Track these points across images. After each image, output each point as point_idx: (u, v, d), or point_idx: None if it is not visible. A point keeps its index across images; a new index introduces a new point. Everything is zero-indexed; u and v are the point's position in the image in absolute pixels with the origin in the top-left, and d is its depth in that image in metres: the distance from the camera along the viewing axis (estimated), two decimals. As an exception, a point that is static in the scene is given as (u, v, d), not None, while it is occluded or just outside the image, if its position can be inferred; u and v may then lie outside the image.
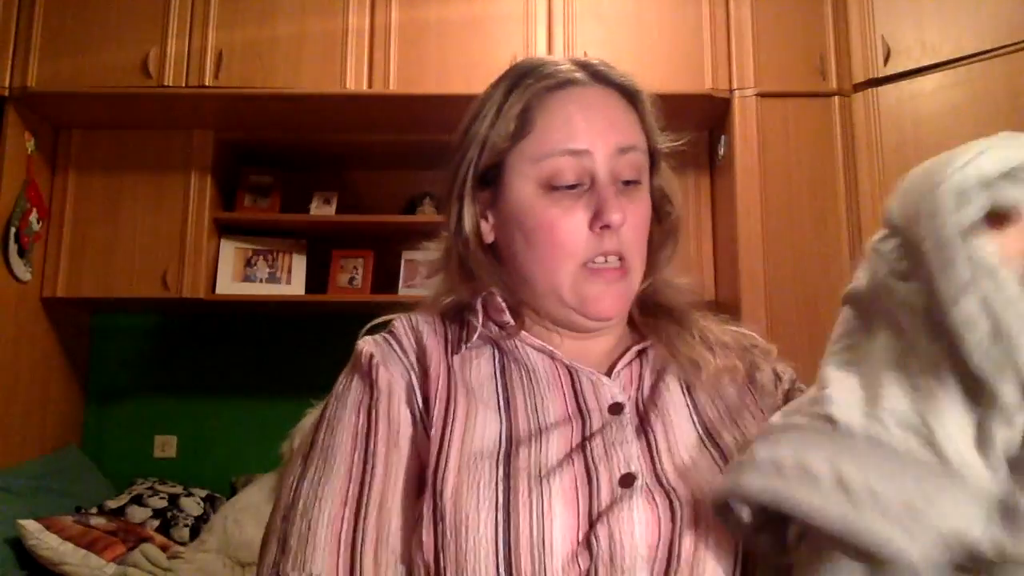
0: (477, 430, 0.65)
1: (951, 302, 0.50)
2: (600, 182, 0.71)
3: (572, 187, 0.71)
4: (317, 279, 2.80)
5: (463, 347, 0.73)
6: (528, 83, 0.74)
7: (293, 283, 2.78)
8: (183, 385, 2.97)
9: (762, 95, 2.51)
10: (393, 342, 0.74)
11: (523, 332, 0.74)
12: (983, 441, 0.50)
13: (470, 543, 0.59)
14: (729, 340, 0.77)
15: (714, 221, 2.67)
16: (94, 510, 2.43)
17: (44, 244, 2.63)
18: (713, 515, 0.59)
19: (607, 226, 0.70)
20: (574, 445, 0.65)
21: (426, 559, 0.60)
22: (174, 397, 2.97)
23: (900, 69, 2.39)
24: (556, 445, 0.65)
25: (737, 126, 2.50)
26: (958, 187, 0.52)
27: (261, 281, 2.76)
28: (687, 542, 0.60)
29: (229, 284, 2.72)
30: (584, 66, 0.75)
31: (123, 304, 2.87)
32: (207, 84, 2.50)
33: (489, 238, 0.77)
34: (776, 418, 0.59)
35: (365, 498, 0.64)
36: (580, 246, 0.71)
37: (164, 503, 2.54)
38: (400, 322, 0.76)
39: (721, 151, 2.60)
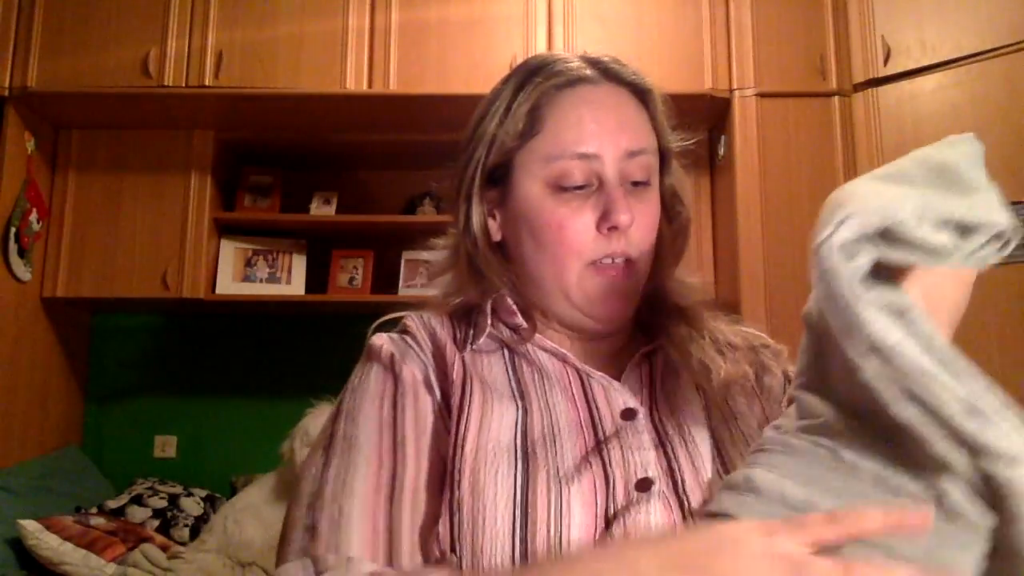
0: (494, 420, 0.65)
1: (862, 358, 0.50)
2: (609, 183, 0.70)
3: (580, 187, 0.70)
4: (317, 279, 2.80)
5: (470, 346, 0.72)
6: (537, 81, 0.73)
7: (293, 283, 2.78)
8: (183, 385, 2.97)
9: (762, 95, 2.51)
10: (409, 338, 0.73)
11: (536, 335, 0.73)
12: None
13: (487, 535, 0.59)
14: (738, 341, 0.76)
15: (714, 221, 2.67)
16: (94, 510, 2.43)
17: (44, 244, 2.63)
18: None
19: (615, 227, 0.69)
20: (590, 448, 0.65)
21: (442, 548, 0.60)
22: (174, 397, 2.96)
23: (900, 69, 2.39)
24: (572, 447, 0.64)
25: (737, 126, 2.50)
26: (840, 245, 0.52)
27: (261, 281, 2.76)
28: None
29: (229, 284, 2.72)
30: (594, 63, 0.74)
31: (123, 304, 2.87)
32: (207, 84, 2.50)
33: (497, 236, 0.76)
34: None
35: (398, 484, 0.63)
36: (588, 246, 0.70)
37: (164, 503, 2.54)
38: (413, 319, 0.76)
39: (721, 151, 2.60)
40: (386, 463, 0.64)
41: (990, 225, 0.53)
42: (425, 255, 2.62)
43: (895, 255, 0.52)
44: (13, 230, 2.47)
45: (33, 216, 2.54)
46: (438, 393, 0.69)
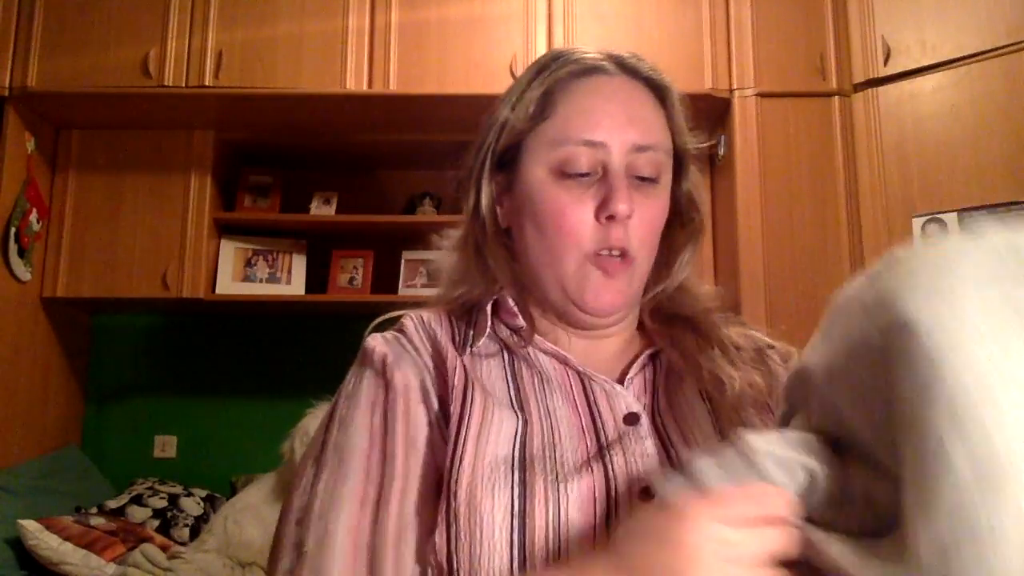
0: (493, 430, 0.64)
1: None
2: (612, 173, 0.69)
3: (584, 175, 0.69)
4: (317, 279, 2.80)
5: (469, 348, 0.71)
6: (553, 68, 0.72)
7: (293, 283, 2.78)
8: (183, 385, 2.97)
9: (762, 95, 2.51)
10: (405, 341, 0.72)
11: (536, 336, 0.72)
12: None
13: (484, 546, 0.58)
14: (745, 343, 0.75)
15: (714, 221, 2.66)
16: (94, 510, 2.43)
17: (44, 244, 2.63)
18: None
19: (612, 217, 0.68)
20: (591, 453, 0.64)
21: (439, 560, 0.59)
22: (174, 397, 2.97)
23: (900, 69, 2.39)
24: (572, 452, 0.63)
25: (737, 126, 2.50)
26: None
27: (261, 281, 2.76)
28: None
29: (229, 284, 2.72)
30: (614, 57, 0.74)
31: (123, 304, 2.87)
32: (207, 84, 2.50)
33: (504, 223, 0.75)
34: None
35: (384, 500, 0.62)
36: (586, 235, 0.69)
37: (164, 503, 2.54)
38: (411, 320, 0.74)
39: (721, 151, 2.60)
40: (373, 476, 0.63)
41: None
42: (425, 255, 2.63)
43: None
44: (13, 230, 2.47)
45: (33, 216, 2.54)
46: (435, 400, 0.67)
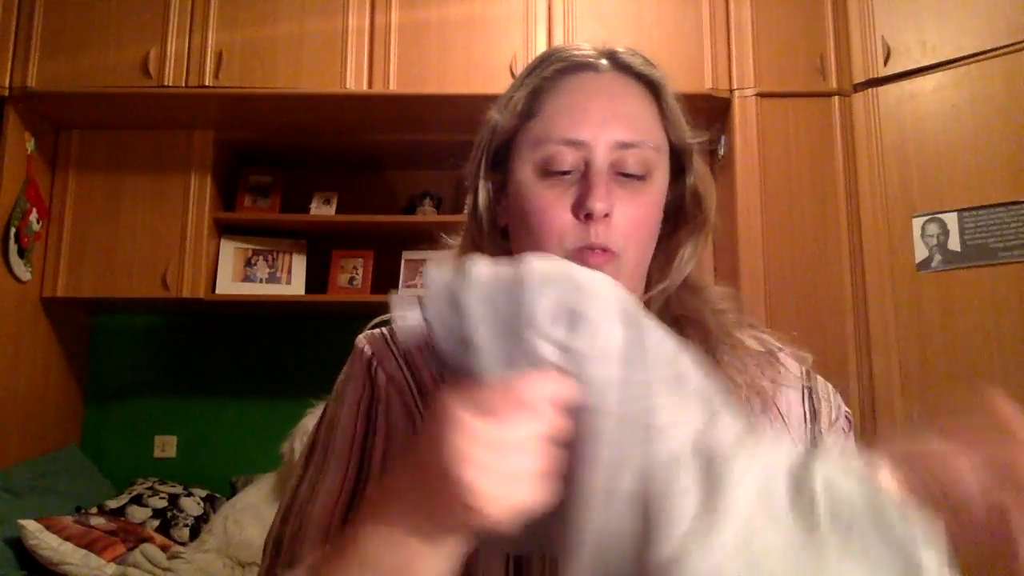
0: None
1: None
2: (592, 170, 0.68)
3: (566, 173, 0.69)
4: (317, 279, 2.80)
5: None
6: (543, 67, 0.72)
7: (293, 283, 2.78)
8: (183, 385, 2.97)
9: (762, 95, 2.51)
10: (390, 340, 0.72)
11: None
12: None
13: (477, 553, 0.57)
14: (756, 347, 0.73)
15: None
16: (94, 510, 2.43)
17: (44, 244, 2.63)
18: None
19: (589, 215, 0.67)
20: None
21: None
22: (174, 397, 2.97)
23: (900, 69, 2.39)
24: None
25: (737, 126, 2.50)
26: None
27: (261, 281, 2.76)
28: None
29: (229, 284, 2.72)
30: (607, 52, 0.73)
31: (123, 304, 2.87)
32: (207, 84, 2.50)
33: (503, 221, 0.75)
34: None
35: (358, 495, 0.63)
36: (567, 233, 0.68)
37: (164, 503, 2.54)
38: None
39: (721, 151, 2.60)
40: (350, 477, 0.65)
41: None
42: (425, 255, 2.63)
43: None
44: (13, 230, 2.47)
45: (33, 216, 2.55)
46: (417, 396, 0.68)
